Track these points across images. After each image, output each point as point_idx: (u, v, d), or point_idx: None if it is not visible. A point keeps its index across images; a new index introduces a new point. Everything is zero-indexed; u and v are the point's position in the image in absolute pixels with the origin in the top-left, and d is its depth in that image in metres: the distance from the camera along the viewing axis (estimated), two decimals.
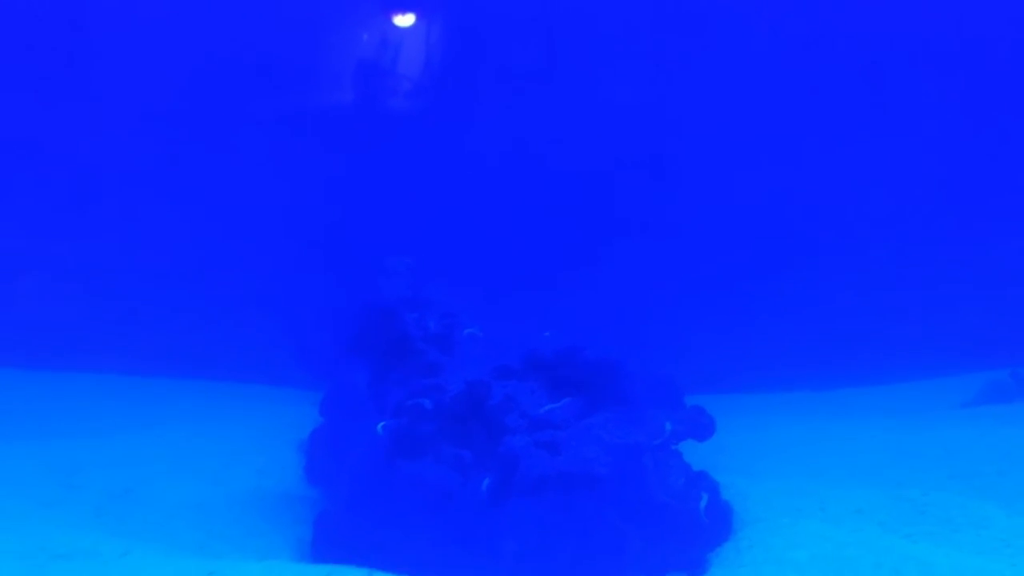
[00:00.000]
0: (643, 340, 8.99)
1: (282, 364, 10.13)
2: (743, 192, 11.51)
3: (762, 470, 7.90)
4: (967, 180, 11.55)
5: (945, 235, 11.41)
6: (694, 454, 7.19)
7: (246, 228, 10.78)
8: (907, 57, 11.27)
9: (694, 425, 6.71)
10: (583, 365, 6.47)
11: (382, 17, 10.56)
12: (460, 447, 6.12)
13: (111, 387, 11.55)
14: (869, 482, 7.56)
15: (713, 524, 6.51)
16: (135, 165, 11.04)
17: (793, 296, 11.47)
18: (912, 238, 11.94)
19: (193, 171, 10.77)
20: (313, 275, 9.88)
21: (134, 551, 6.23)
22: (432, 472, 5.98)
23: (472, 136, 10.35)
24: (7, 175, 10.70)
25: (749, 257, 11.53)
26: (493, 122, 10.41)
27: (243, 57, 10.82)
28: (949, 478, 7.76)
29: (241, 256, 10.83)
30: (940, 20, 11.31)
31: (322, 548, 6.14)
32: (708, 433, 6.80)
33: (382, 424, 6.09)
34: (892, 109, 11.42)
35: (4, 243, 10.92)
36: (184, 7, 10.76)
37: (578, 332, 6.70)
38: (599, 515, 5.78)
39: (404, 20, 10.36)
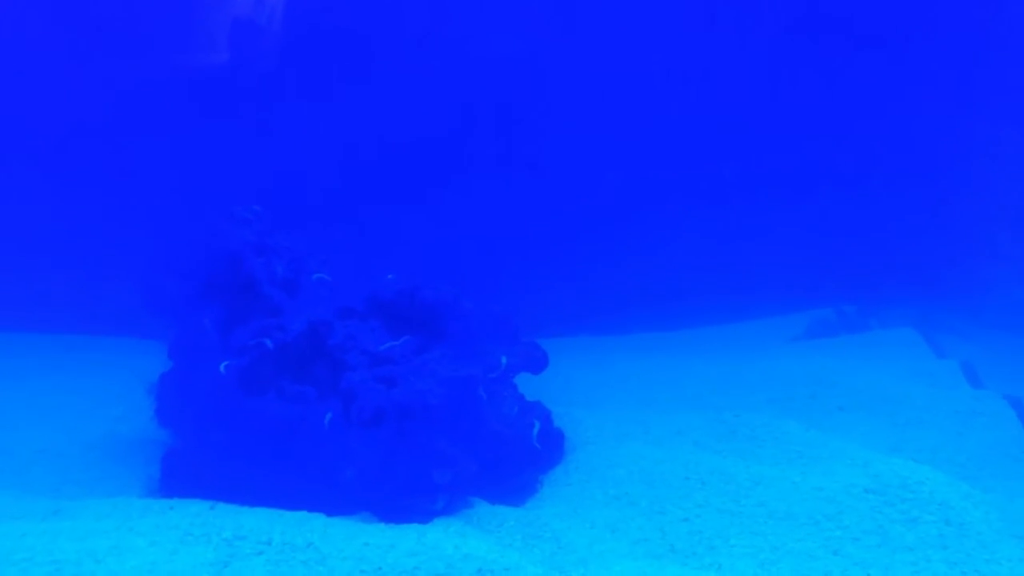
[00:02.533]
0: (486, 281, 9.31)
1: (143, 315, 10.09)
2: (602, 128, 11.74)
3: (598, 400, 8.41)
4: (795, 121, 12.09)
5: (776, 181, 12.02)
6: (533, 388, 7.65)
7: (100, 178, 10.64)
8: None
9: (528, 359, 7.13)
10: (421, 305, 6.79)
11: None
12: (303, 384, 6.38)
13: None
14: (692, 408, 8.16)
15: (545, 449, 6.96)
16: None
17: (638, 241, 11.96)
18: (752, 183, 12.46)
19: (40, 115, 10.53)
20: (164, 225, 9.87)
21: None
22: (275, 407, 6.23)
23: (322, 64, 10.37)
24: None
25: (602, 200, 11.90)
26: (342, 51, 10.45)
27: None
28: (766, 402, 8.42)
29: (97, 206, 10.70)
30: None
31: (169, 484, 6.35)
32: (541, 366, 7.23)
33: (225, 364, 6.29)
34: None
35: None
36: None
37: (419, 274, 7.00)
38: (432, 443, 6.13)
39: None
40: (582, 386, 8.88)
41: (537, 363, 7.18)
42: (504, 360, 6.92)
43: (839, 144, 11.78)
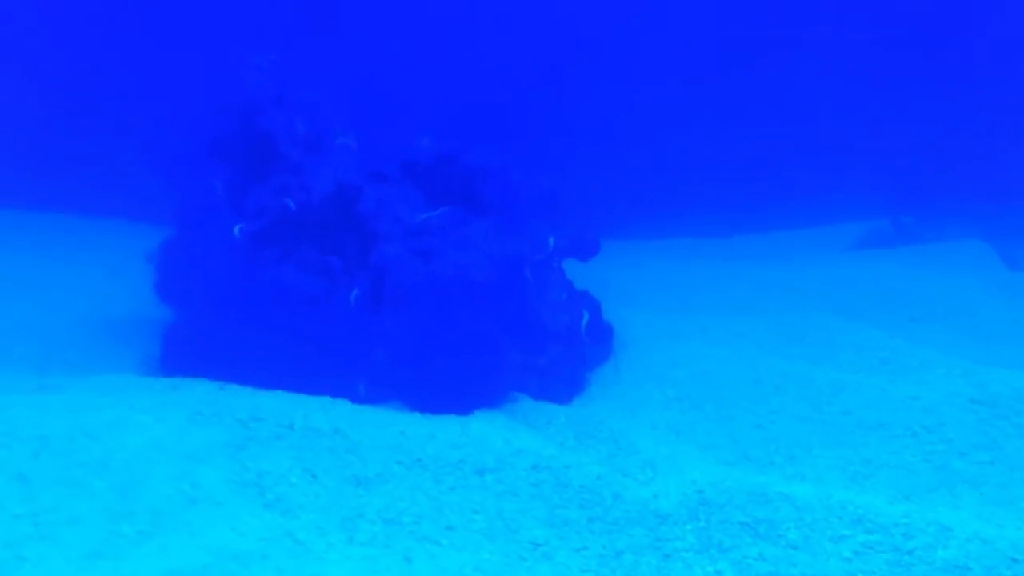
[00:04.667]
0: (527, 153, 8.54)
1: (141, 198, 9.33)
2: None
3: (644, 302, 7.73)
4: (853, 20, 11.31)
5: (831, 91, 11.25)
6: (577, 279, 6.99)
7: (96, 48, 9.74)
8: None
9: (578, 242, 6.42)
10: (463, 171, 6.04)
11: None
12: (327, 253, 5.67)
13: None
14: (749, 310, 7.49)
15: (594, 343, 6.31)
16: None
17: (681, 145, 11.22)
18: (801, 93, 11.72)
19: None
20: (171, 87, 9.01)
21: None
22: (295, 278, 5.53)
23: None
24: None
25: (652, 102, 11.13)
26: None
27: None
28: (830, 310, 7.75)
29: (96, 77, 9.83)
30: None
31: (171, 362, 5.68)
32: (592, 251, 6.53)
33: (239, 227, 5.57)
34: None
35: None
36: None
37: (459, 138, 6.24)
38: (475, 326, 5.47)
39: None
40: (621, 288, 8.20)
41: (586, 248, 6.47)
42: (552, 240, 6.21)
43: (888, 43, 11.01)
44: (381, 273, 5.60)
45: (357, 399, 5.30)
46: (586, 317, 6.21)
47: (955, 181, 11.21)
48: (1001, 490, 4.68)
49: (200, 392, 5.17)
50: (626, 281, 8.51)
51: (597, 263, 8.73)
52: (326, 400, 5.14)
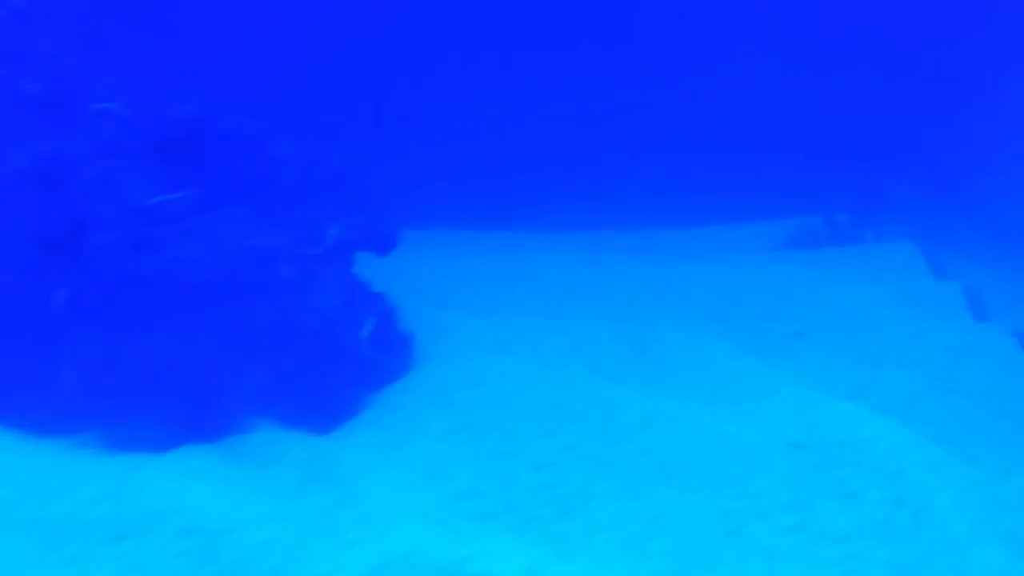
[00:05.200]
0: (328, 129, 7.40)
1: None
2: None
3: (488, 302, 6.71)
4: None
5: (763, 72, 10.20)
6: (404, 280, 6.03)
7: None
8: None
9: (368, 233, 5.43)
10: (217, 140, 5.05)
11: None
12: (24, 244, 4.70)
13: None
14: (603, 318, 6.45)
15: (383, 356, 5.32)
16: None
17: (605, 131, 10.21)
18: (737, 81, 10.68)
19: None
20: None
21: None
22: None
23: None
24: None
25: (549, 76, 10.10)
26: None
27: None
28: (704, 320, 6.69)
29: None
30: None
31: None
32: (387, 245, 5.53)
33: None
34: None
35: None
36: None
37: (225, 103, 5.23)
38: (190, 338, 4.49)
39: None
40: (478, 284, 7.20)
41: (381, 241, 5.47)
42: (333, 232, 5.23)
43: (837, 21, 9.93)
44: (92, 269, 4.63)
45: (34, 429, 4.34)
46: (369, 325, 5.22)
47: (903, 177, 10.15)
48: (797, 572, 3.67)
49: None
50: (496, 274, 7.51)
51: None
52: None
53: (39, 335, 4.57)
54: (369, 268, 5.77)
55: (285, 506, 3.98)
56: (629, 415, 4.78)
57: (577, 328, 6.07)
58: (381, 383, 5.27)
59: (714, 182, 10.90)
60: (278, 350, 4.81)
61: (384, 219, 5.47)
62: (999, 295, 7.22)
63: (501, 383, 5.16)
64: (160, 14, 7.37)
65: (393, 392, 5.22)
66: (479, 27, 9.52)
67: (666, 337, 5.73)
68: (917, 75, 10.14)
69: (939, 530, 3.77)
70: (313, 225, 5.15)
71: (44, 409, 4.46)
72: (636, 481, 4.30)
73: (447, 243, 7.78)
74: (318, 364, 4.92)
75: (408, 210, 7.11)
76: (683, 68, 10.62)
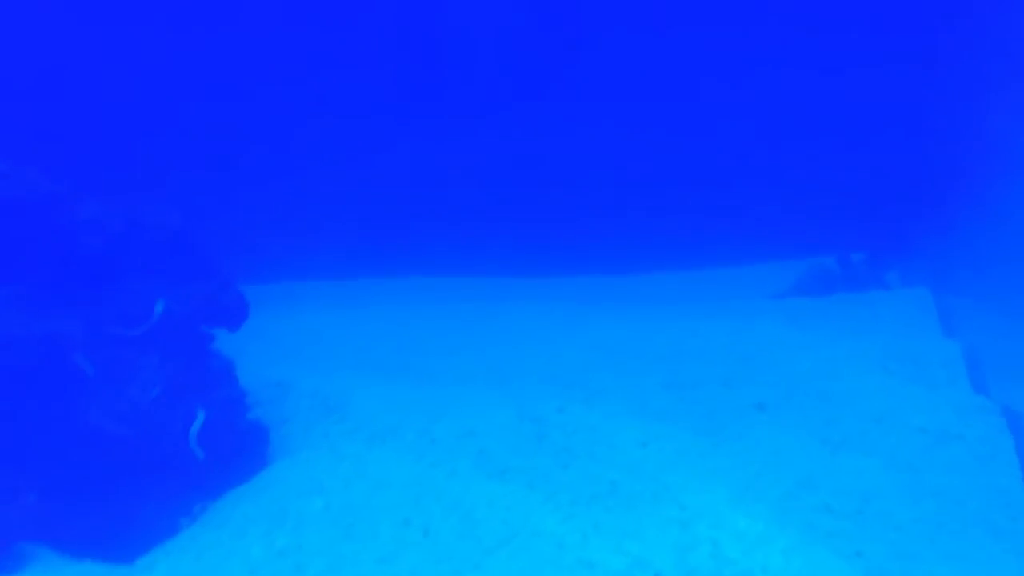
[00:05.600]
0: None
1: None
2: None
3: (392, 367, 5.89)
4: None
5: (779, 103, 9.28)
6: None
7: None
8: None
9: (214, 305, 4.68)
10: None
11: None
12: None
13: None
14: (527, 389, 5.56)
15: (224, 457, 4.55)
16: None
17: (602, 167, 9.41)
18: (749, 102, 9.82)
19: None
20: None
21: None
22: None
23: None
24: None
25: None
26: None
27: None
28: (657, 387, 5.77)
29: None
30: None
31: None
32: (236, 318, 4.78)
33: None
34: None
35: None
36: None
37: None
38: None
39: None
40: (388, 342, 6.40)
41: (229, 313, 4.73)
42: (160, 307, 4.50)
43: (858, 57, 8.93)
44: None
45: None
46: (200, 419, 4.47)
47: (931, 215, 9.06)
48: None
49: None
50: (385, 335, 6.69)
51: (421, 309, 7.05)
52: None
53: None
54: (226, 343, 5.05)
55: None
56: (487, 532, 3.91)
57: (484, 405, 5.22)
58: (219, 490, 4.51)
59: (720, 219, 10.03)
60: (63, 461, 4.08)
61: (232, 287, 4.72)
62: (1009, 354, 6.13)
63: (353, 488, 4.34)
64: None
65: (228, 502, 4.45)
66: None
67: (574, 419, 4.83)
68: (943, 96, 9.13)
69: None
70: (133, 301, 4.44)
71: None
72: None
73: (337, 295, 7.04)
74: (118, 475, 4.17)
75: (270, 261, 6.43)
76: (682, 89, 9.80)
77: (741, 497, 4.05)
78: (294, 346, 6.07)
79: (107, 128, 7.97)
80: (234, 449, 4.60)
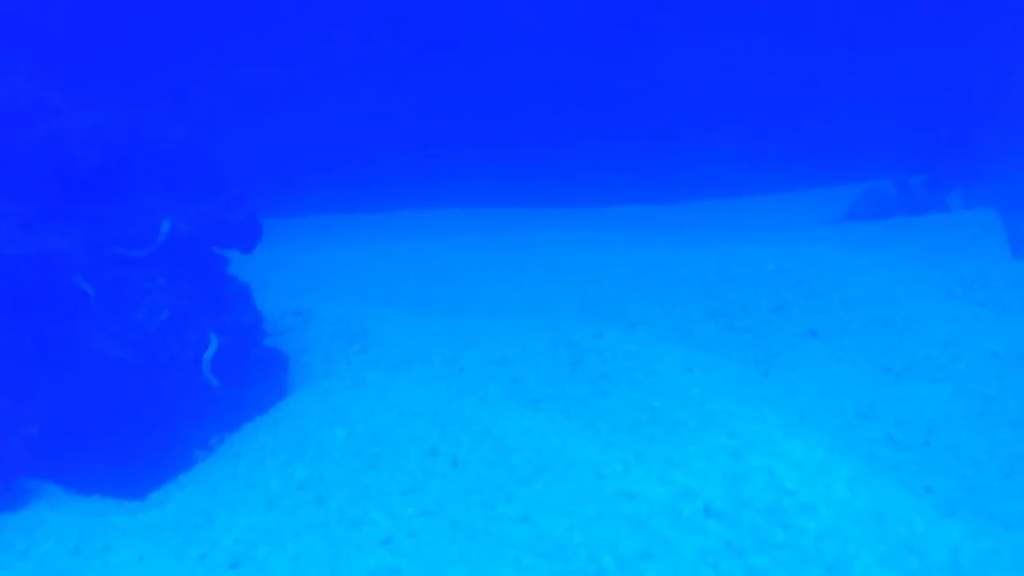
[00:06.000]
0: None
1: None
2: None
3: (421, 297, 5.64)
4: None
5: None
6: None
7: None
8: None
9: (225, 226, 4.43)
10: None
11: None
12: None
13: None
14: (564, 316, 5.29)
15: (240, 386, 4.34)
16: None
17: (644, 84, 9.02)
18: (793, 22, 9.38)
19: None
20: None
21: None
22: None
23: None
24: None
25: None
26: None
27: None
28: (703, 315, 5.50)
29: None
30: None
31: None
32: (251, 240, 4.54)
33: None
34: None
35: None
36: None
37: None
38: None
39: None
40: (416, 272, 6.13)
41: (242, 233, 4.48)
42: (167, 226, 4.26)
43: None
44: None
45: None
46: (214, 345, 4.24)
47: (991, 134, 8.59)
48: None
49: None
50: (413, 265, 6.42)
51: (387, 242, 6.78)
52: None
53: None
54: (241, 268, 4.82)
55: None
56: (520, 462, 3.67)
57: (516, 333, 4.95)
58: (236, 421, 4.30)
59: (769, 143, 9.64)
60: (66, 390, 3.88)
61: (244, 204, 4.47)
62: None
63: (377, 417, 4.11)
64: None
65: (245, 433, 4.24)
66: None
67: (613, 346, 4.55)
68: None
69: None
70: (136, 220, 4.20)
71: None
72: (497, 565, 3.19)
73: (368, 227, 6.77)
74: (125, 404, 3.97)
75: (290, 193, 6.17)
76: (726, 7, 9.35)
77: (796, 426, 3.77)
78: (315, 276, 5.83)
79: (126, 51, 7.75)
80: (251, 378, 4.39)
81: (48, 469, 3.78)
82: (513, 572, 3.16)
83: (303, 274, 5.78)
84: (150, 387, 4.03)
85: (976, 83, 8.41)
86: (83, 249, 3.94)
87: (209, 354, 4.22)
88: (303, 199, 8.33)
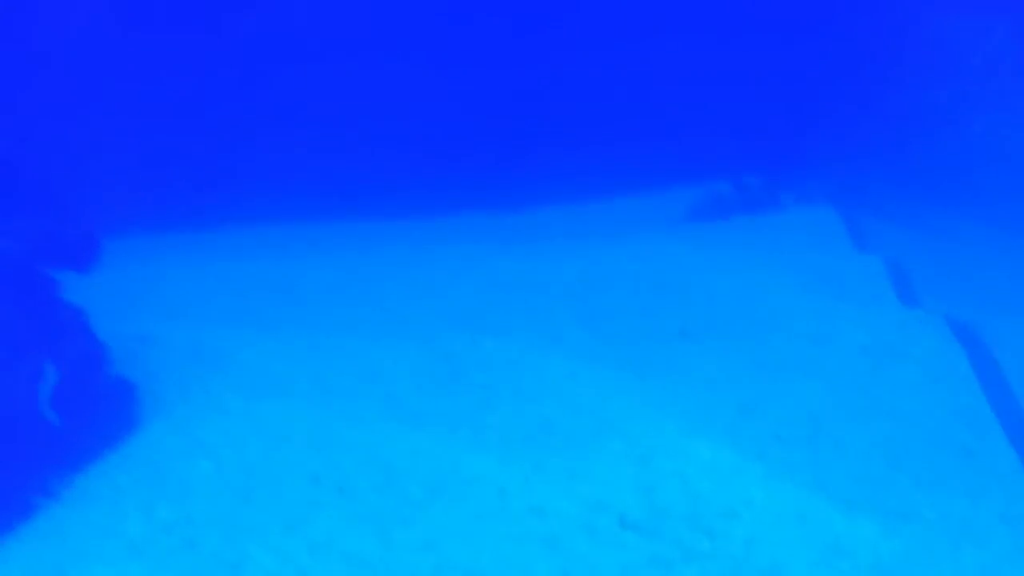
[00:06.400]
0: None
1: None
2: None
3: (265, 320, 5.32)
4: None
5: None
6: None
7: None
8: None
9: (54, 244, 4.03)
10: None
11: None
12: None
13: None
14: (427, 330, 5.11)
15: (86, 421, 3.95)
16: None
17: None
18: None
19: None
20: None
21: None
22: None
23: None
24: None
25: None
26: None
27: None
28: (568, 322, 5.44)
29: None
30: None
31: None
32: (86, 261, 4.15)
33: None
34: None
35: None
36: None
37: None
38: None
39: None
40: (259, 293, 5.79)
41: (75, 252, 4.10)
42: None
43: None
44: None
45: None
46: (50, 378, 3.84)
47: (820, 135, 8.97)
48: None
49: None
50: (255, 285, 6.05)
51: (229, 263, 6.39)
52: None
53: None
54: (77, 294, 4.40)
55: None
56: (411, 483, 3.47)
57: (384, 349, 4.74)
58: (82, 460, 3.90)
59: (606, 147, 9.73)
60: None
61: (78, 219, 4.08)
62: (930, 267, 6.04)
63: (246, 446, 3.82)
64: None
65: (94, 473, 3.85)
66: None
67: (491, 352, 4.43)
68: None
69: None
70: None
71: None
72: None
73: (212, 247, 6.41)
74: None
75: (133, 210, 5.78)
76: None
77: (693, 429, 3.73)
78: (162, 299, 5.41)
79: None
80: (96, 412, 3.99)
81: None
82: None
83: (145, 297, 5.35)
84: None
85: (811, 83, 8.75)
86: None
87: (46, 387, 3.81)
88: (152, 215, 7.78)
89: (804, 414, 4.23)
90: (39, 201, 4.05)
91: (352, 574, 3.15)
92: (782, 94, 9.08)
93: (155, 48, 7.56)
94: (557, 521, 3.08)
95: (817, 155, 8.61)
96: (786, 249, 6.63)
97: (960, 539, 3.18)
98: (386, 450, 3.71)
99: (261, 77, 7.98)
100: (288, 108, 8.05)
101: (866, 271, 5.83)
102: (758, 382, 4.63)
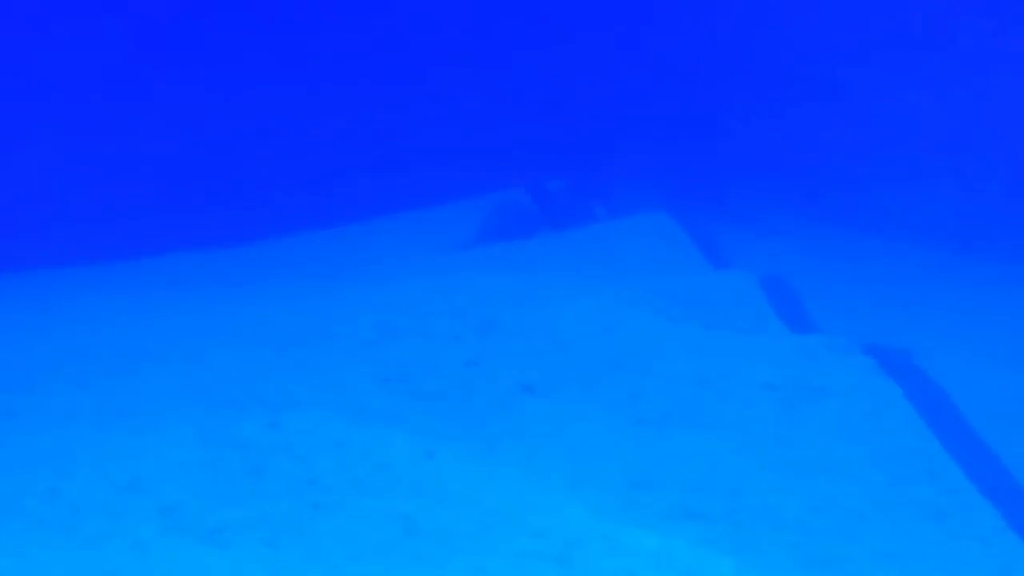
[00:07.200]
0: None
1: None
2: None
3: None
4: None
5: None
6: None
7: None
8: None
9: None
10: None
11: None
12: None
13: None
14: (186, 416, 4.70)
15: None
16: None
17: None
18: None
19: None
20: None
21: None
22: None
23: None
24: None
25: None
26: None
27: None
28: (370, 383, 5.23)
29: None
30: None
31: None
32: None
33: None
34: None
35: None
36: None
37: None
38: None
39: None
40: None
41: None
42: None
43: None
44: None
45: None
46: None
47: (637, 129, 9.32)
48: None
49: None
50: None
51: None
52: None
53: None
54: None
55: None
56: None
57: (140, 442, 4.33)
58: None
59: (370, 154, 9.67)
60: None
61: None
62: (809, 282, 6.26)
63: None
64: None
65: None
66: None
67: (304, 433, 4.12)
68: None
69: None
70: None
71: None
72: None
73: None
74: None
75: None
76: None
77: (609, 509, 3.60)
78: None
79: None
80: None
81: None
82: None
83: None
84: None
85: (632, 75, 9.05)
86: None
87: None
88: None
89: (715, 479, 4.21)
90: None
91: None
92: (587, 86, 9.38)
93: None
94: None
95: (634, 154, 8.89)
96: (627, 269, 6.73)
97: None
98: None
99: None
100: None
101: (736, 291, 5.96)
102: (642, 442, 4.58)
